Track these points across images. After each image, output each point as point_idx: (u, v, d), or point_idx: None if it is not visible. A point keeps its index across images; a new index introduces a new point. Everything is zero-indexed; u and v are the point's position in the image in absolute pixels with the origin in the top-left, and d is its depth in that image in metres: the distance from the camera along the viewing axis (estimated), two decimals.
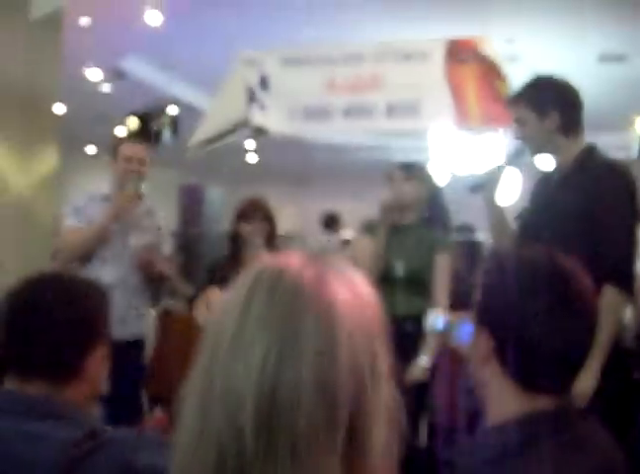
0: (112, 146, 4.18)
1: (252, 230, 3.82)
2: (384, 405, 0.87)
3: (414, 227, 3.73)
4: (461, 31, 5.17)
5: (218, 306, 0.92)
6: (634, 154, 5.82)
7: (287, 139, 6.53)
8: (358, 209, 4.94)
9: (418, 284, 3.63)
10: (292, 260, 0.90)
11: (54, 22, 6.35)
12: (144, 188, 4.12)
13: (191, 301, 3.91)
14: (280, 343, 0.81)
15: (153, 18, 6.77)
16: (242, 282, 0.89)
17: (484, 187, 3.15)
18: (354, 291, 0.88)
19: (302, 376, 0.80)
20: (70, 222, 3.99)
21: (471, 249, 7.35)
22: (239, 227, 3.89)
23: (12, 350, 1.52)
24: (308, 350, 0.81)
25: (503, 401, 1.34)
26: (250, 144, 9.61)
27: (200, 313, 3.50)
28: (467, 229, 7.75)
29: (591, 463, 1.28)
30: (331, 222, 7.95)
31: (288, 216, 13.44)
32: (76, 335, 1.53)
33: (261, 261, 0.92)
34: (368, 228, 3.79)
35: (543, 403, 1.32)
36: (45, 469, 1.32)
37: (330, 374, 0.81)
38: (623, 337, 4.31)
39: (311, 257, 0.91)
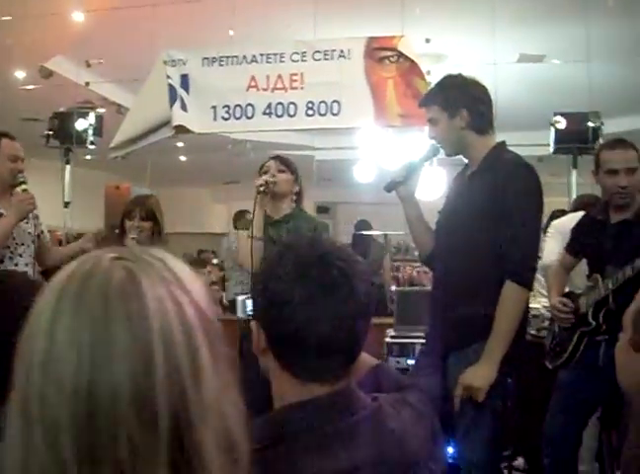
0: None
1: (130, 227, 3.89)
2: (212, 400, 0.82)
3: (286, 220, 3.82)
4: (379, 31, 5.24)
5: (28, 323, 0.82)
6: (550, 150, 5.96)
7: (213, 138, 6.55)
8: None
9: None
10: (102, 261, 0.83)
11: None
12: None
13: None
14: (91, 357, 0.76)
15: (77, 16, 6.73)
16: (48, 294, 0.82)
17: (399, 184, 3.18)
18: (169, 286, 0.83)
19: (117, 391, 0.75)
20: None
21: (363, 242, 7.71)
22: (123, 224, 3.96)
23: None
24: (120, 361, 0.76)
25: (283, 391, 1.30)
26: (181, 143, 9.57)
27: None
28: (365, 224, 8.06)
29: (360, 454, 1.25)
30: (236, 219, 8.05)
31: (218, 215, 13.46)
32: None
33: (72, 264, 0.85)
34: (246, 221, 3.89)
35: (318, 392, 1.27)
36: None
37: (147, 383, 0.77)
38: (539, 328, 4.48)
39: (125, 253, 0.86)
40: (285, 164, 3.84)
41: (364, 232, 8.08)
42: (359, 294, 1.28)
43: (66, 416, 0.75)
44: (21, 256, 3.89)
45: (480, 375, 2.78)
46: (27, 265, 3.90)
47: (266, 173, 3.78)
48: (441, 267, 3.17)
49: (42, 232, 4.16)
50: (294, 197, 3.84)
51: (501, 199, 2.84)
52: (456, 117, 2.99)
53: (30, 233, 3.98)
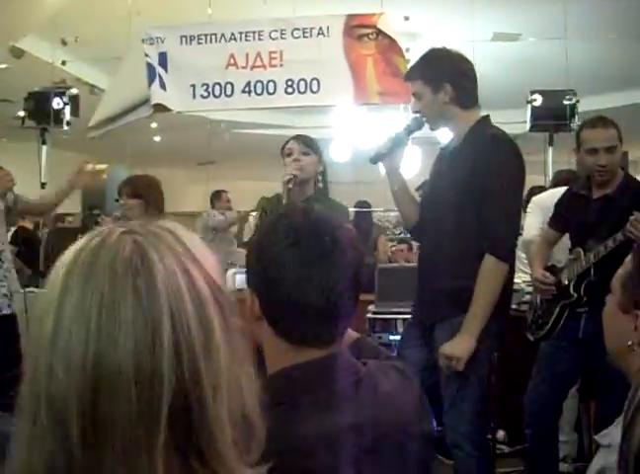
0: None
1: (120, 206, 3.96)
2: (226, 373, 0.82)
3: (311, 201, 3.70)
4: (358, 8, 5.24)
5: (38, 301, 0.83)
6: (526, 128, 6.02)
7: (188, 118, 6.52)
8: (263, 187, 5.00)
9: None
10: (112, 235, 0.83)
11: None
12: None
13: None
14: (98, 332, 0.76)
15: None
16: (59, 269, 0.82)
17: (384, 156, 3.19)
18: (179, 258, 0.83)
19: (121, 366, 0.75)
20: None
21: (365, 221, 7.78)
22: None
23: None
24: (126, 336, 0.76)
25: (277, 358, 1.33)
26: (155, 124, 9.51)
27: None
28: (364, 204, 8.13)
29: (355, 415, 1.28)
30: (213, 199, 8.07)
31: (192, 195, 13.41)
32: None
33: (83, 239, 0.84)
34: (266, 204, 3.78)
35: (312, 356, 1.31)
36: None
37: (151, 358, 0.76)
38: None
39: (134, 227, 0.85)
40: (309, 145, 3.59)
41: (364, 210, 8.14)
42: (350, 261, 1.33)
43: (72, 391, 0.75)
44: None
45: (460, 346, 2.83)
46: (3, 244, 3.86)
47: (289, 155, 3.56)
48: (426, 240, 3.21)
49: (17, 196, 4.09)
50: (320, 178, 3.69)
51: (482, 175, 2.87)
52: (440, 91, 3.00)
53: (1, 210, 3.94)
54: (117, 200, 4.09)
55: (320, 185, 3.66)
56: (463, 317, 2.86)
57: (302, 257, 1.29)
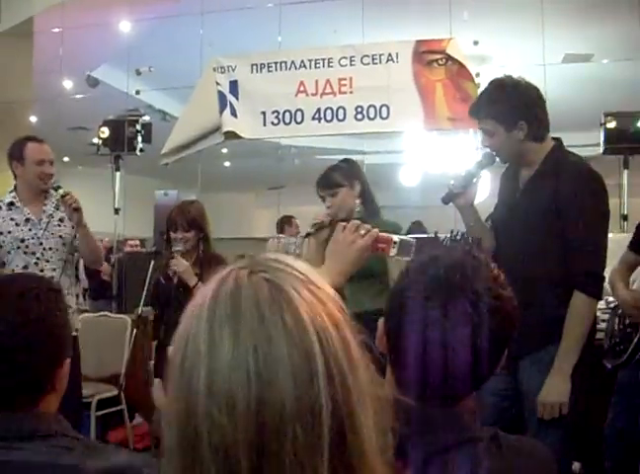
0: (16, 147, 3.82)
1: (174, 239, 3.75)
2: (366, 389, 0.84)
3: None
4: (427, 34, 5.24)
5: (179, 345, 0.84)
6: (599, 150, 5.90)
7: (258, 144, 6.60)
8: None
9: (367, 279, 3.50)
10: (241, 277, 0.84)
11: (25, 32, 6.41)
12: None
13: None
14: (258, 374, 0.78)
15: (125, 26, 6.84)
16: (198, 319, 0.83)
17: (456, 196, 3.09)
18: (309, 287, 0.84)
19: (284, 402, 0.77)
20: None
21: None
22: (169, 235, 3.82)
23: None
24: (286, 373, 0.78)
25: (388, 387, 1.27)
26: (225, 149, 9.64)
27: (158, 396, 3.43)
28: (419, 225, 7.98)
29: None
30: (283, 224, 8.08)
31: (263, 220, 13.53)
32: (47, 353, 1.44)
33: (211, 284, 0.86)
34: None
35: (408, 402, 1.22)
36: None
37: (310, 389, 0.78)
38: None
39: (255, 266, 0.86)
40: (330, 185, 3.56)
41: (421, 235, 8.01)
42: (486, 330, 1.20)
43: (239, 435, 0.77)
44: (48, 261, 3.81)
45: (558, 391, 2.72)
46: (54, 270, 3.79)
47: (323, 201, 3.57)
48: (505, 271, 3.09)
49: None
50: (360, 200, 3.62)
51: (568, 205, 2.74)
52: (514, 129, 2.80)
53: (61, 236, 3.85)
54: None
55: (357, 209, 3.60)
56: (552, 347, 2.76)
57: (432, 316, 1.19)
